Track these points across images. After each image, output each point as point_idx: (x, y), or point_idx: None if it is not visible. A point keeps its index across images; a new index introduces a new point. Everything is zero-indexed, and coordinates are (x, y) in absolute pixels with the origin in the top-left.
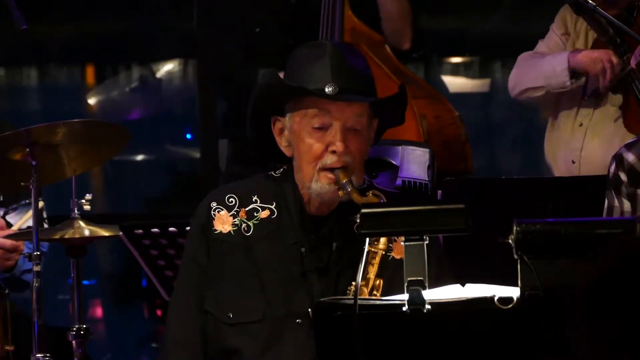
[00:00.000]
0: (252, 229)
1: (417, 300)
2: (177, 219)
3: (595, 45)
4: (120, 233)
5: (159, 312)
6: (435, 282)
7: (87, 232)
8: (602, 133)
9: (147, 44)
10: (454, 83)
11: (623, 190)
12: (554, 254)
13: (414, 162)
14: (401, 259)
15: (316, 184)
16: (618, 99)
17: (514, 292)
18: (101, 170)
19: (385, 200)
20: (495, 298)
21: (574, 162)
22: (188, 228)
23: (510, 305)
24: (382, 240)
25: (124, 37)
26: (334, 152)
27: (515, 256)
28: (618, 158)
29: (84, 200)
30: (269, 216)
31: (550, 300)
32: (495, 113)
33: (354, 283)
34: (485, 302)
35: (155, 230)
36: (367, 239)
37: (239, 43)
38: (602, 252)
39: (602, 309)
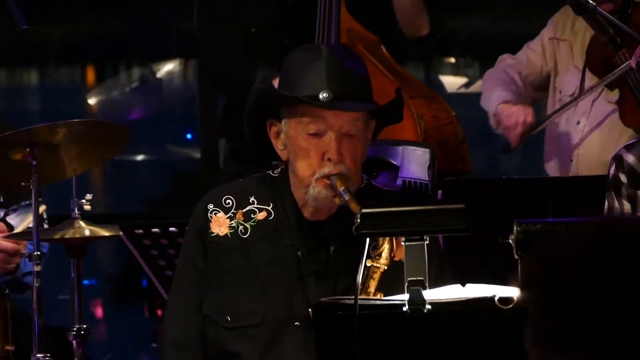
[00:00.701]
0: (249, 231)
1: (417, 300)
2: (177, 219)
3: (592, 44)
4: (121, 233)
5: (159, 312)
6: (436, 282)
7: (87, 232)
8: (600, 129)
9: (147, 44)
10: (454, 83)
11: (623, 191)
12: None
13: (415, 162)
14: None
15: (313, 190)
16: (615, 94)
17: (514, 292)
18: (101, 170)
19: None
20: (495, 298)
21: (572, 160)
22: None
23: (510, 305)
24: (384, 255)
25: (124, 37)
26: (330, 159)
27: (515, 256)
28: (618, 159)
29: (84, 200)
30: (266, 217)
31: None
32: None
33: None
34: (485, 302)
35: (156, 230)
36: (368, 240)
37: (239, 43)
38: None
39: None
